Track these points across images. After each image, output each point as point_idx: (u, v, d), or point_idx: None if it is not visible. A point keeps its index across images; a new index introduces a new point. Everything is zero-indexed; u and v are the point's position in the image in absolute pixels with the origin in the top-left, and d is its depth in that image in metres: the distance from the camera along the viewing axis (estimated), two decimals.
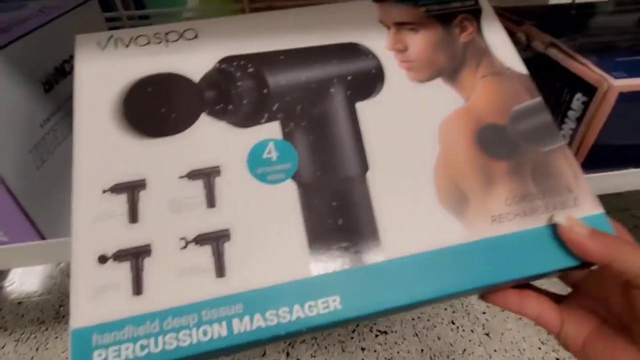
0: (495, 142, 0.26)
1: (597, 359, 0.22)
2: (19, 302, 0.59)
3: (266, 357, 0.53)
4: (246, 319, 0.21)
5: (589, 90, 0.35)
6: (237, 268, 0.22)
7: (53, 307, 0.58)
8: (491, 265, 0.23)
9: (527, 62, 0.29)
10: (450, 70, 0.28)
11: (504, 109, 0.27)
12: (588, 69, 0.36)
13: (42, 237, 0.31)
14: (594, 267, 0.24)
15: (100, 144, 0.24)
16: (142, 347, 0.20)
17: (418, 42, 0.29)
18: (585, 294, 0.25)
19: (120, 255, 0.22)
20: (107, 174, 0.23)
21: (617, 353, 0.22)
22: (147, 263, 0.22)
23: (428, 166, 0.25)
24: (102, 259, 0.22)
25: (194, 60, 0.27)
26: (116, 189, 0.23)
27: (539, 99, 0.28)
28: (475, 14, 0.30)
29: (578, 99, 0.37)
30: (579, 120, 0.37)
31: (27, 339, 0.55)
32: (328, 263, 0.22)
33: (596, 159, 0.38)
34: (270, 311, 0.21)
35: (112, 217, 0.23)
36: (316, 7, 0.30)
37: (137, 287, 0.21)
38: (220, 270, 0.22)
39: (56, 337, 0.55)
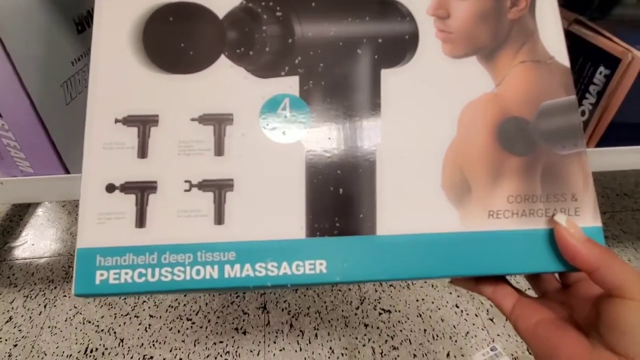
0: (514, 137, 0.25)
1: (547, 340, 0.23)
2: (30, 261, 0.60)
3: (270, 326, 0.55)
4: (237, 266, 0.22)
5: (613, 62, 0.37)
6: (236, 218, 0.23)
7: (63, 268, 0.59)
8: (477, 258, 0.24)
9: None
10: (489, 49, 0.26)
11: (533, 101, 0.26)
12: (612, 43, 0.37)
13: (67, 171, 0.32)
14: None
15: (117, 71, 0.24)
16: (140, 275, 0.22)
17: (463, 10, 0.27)
18: (550, 299, 0.26)
19: (127, 187, 0.23)
20: (121, 104, 0.24)
21: (570, 341, 0.22)
22: (152, 199, 0.23)
23: (440, 149, 0.25)
24: (110, 188, 0.23)
25: None
26: (128, 120, 0.23)
27: (572, 97, 0.26)
28: None
29: (601, 72, 0.39)
30: (600, 94, 0.39)
31: (36, 295, 0.56)
32: (321, 228, 0.23)
33: (614, 135, 0.40)
34: (259, 264, 0.22)
35: (123, 149, 0.23)
36: None
37: (140, 220, 0.23)
38: (219, 218, 0.23)
39: (64, 296, 0.56)
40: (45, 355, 0.51)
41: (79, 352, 0.51)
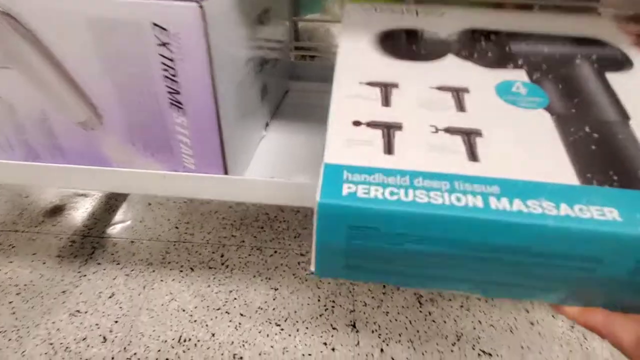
0: None
1: None
2: (132, 241, 0.62)
3: (359, 347, 0.49)
4: (504, 199, 0.19)
5: None
6: (491, 158, 0.21)
7: (160, 253, 0.61)
8: None
9: None
10: None
11: None
12: None
13: (226, 172, 0.32)
14: None
15: (361, 54, 0.27)
16: (392, 193, 0.19)
17: None
18: None
19: (373, 124, 0.22)
20: (364, 72, 0.26)
21: None
22: (398, 135, 0.22)
23: None
24: (356, 123, 0.22)
25: (440, 25, 0.30)
26: (371, 83, 0.25)
27: None
28: None
29: None
30: None
31: (137, 276, 0.57)
32: (597, 178, 0.20)
33: None
34: (532, 201, 0.19)
35: (368, 100, 0.24)
36: (553, 15, 0.32)
37: (389, 148, 0.21)
38: (473, 156, 0.21)
39: (161, 280, 0.57)
40: (143, 336, 0.50)
41: (173, 339, 0.49)
